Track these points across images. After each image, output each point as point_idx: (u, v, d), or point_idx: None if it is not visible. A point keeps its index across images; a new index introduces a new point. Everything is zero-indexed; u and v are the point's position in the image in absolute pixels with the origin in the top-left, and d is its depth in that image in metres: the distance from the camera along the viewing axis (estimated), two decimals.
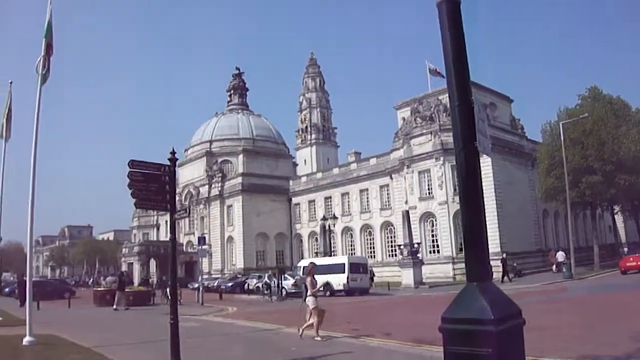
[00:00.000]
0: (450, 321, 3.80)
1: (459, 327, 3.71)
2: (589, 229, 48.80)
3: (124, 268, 64.67)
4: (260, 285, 39.98)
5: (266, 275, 36.60)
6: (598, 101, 41.36)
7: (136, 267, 63.72)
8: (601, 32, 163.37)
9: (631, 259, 34.64)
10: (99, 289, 35.24)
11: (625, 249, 55.72)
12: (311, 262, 17.29)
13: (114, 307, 27.12)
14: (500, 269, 39.54)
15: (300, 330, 13.34)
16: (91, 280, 74.32)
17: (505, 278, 36.28)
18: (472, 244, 3.91)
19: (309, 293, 13.58)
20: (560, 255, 38.60)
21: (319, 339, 12.80)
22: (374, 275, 42.51)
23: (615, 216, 51.71)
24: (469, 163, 3.92)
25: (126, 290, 30.74)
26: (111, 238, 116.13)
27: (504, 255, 38.43)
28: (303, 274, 36.22)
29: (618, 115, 41.52)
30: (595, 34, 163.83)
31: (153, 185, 9.49)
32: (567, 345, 10.38)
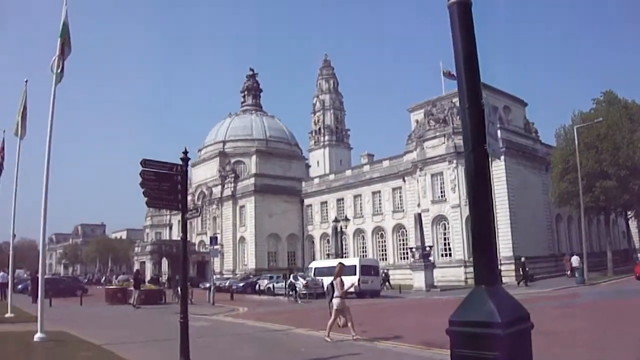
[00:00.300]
0: (458, 324, 3.78)
1: (467, 330, 3.70)
2: (603, 234, 48.32)
3: (136, 267, 65.04)
4: (271, 285, 40.13)
5: (291, 275, 36.22)
6: (613, 105, 41.03)
7: (148, 266, 64.12)
8: (616, 35, 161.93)
9: None
10: (110, 287, 35.55)
11: (639, 255, 55.23)
12: (339, 263, 16.94)
13: (134, 304, 27.66)
14: (513, 273, 39.48)
15: (351, 330, 13.06)
16: (103, 278, 74.74)
17: (522, 282, 36.00)
18: (481, 248, 3.89)
19: (336, 294, 13.47)
20: (575, 260, 38.27)
21: (328, 339, 12.78)
22: (389, 277, 42.56)
23: (629, 222, 51.24)
24: (478, 166, 3.90)
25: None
26: (124, 237, 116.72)
27: (523, 259, 38.24)
28: (314, 275, 36.47)
29: (633, 119, 41.16)
30: (610, 37, 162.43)
31: (165, 184, 9.53)
32: (577, 351, 10.30)
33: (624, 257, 52.00)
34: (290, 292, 33.01)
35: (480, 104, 3.94)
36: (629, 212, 46.28)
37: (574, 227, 51.40)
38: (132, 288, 30.55)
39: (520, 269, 37.26)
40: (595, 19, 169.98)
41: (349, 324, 13.10)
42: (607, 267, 40.26)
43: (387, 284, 40.89)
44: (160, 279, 52.32)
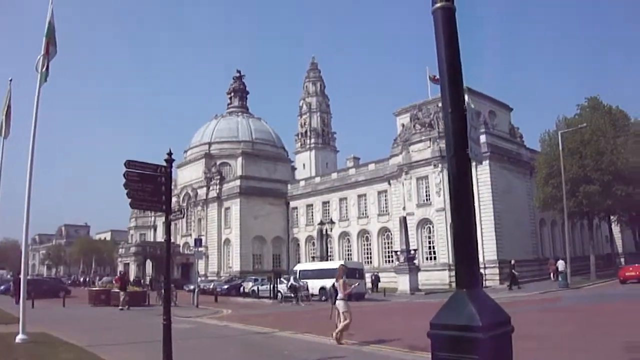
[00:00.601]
0: (439, 327, 3.80)
1: (448, 333, 3.71)
2: (586, 238, 48.70)
3: (120, 268, 64.73)
4: (256, 288, 40.02)
5: (292, 277, 35.65)
6: (597, 111, 41.44)
7: (132, 268, 63.76)
8: (602, 42, 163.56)
9: (630, 269, 34.77)
10: (94, 288, 35.32)
11: (622, 259, 55.80)
12: (341, 265, 16.84)
13: (119, 307, 27.50)
14: (498, 277, 39.78)
15: (334, 335, 13.08)
16: (87, 279, 74.17)
17: (513, 286, 36.08)
18: (462, 252, 3.91)
19: (339, 296, 13.47)
20: (561, 264, 38.55)
21: (343, 342, 12.77)
22: (379, 280, 42.77)
23: (612, 226, 51.73)
24: (460, 170, 3.93)
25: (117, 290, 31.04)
26: (108, 238, 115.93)
27: (513, 262, 38.42)
28: (299, 277, 36.46)
29: (617, 125, 41.60)
30: (596, 43, 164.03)
31: (149, 186, 9.48)
32: (559, 354, 10.39)
33: (607, 262, 52.50)
34: (292, 296, 32.58)
35: (463, 109, 3.97)
36: (612, 217, 46.70)
37: (557, 231, 51.81)
38: (116, 290, 30.40)
39: (510, 272, 37.37)
40: (581, 25, 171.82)
41: (340, 325, 13.07)
42: (590, 271, 40.60)
43: (376, 287, 41.19)
44: (142, 280, 52.02)
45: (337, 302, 13.46)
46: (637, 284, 31.96)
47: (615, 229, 55.93)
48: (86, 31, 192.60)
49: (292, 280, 34.19)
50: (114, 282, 33.85)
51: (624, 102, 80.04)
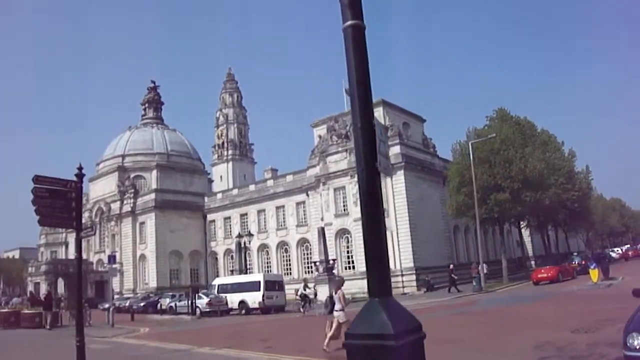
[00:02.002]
0: (354, 337, 3.87)
1: (362, 342, 3.78)
2: (498, 243, 50.65)
3: (30, 288, 61.75)
4: (174, 304, 39.06)
5: (302, 286, 33.81)
6: (505, 122, 43.34)
7: (43, 287, 60.72)
8: (510, 56, 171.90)
9: (542, 271, 36.53)
10: (2, 310, 33.63)
11: (532, 262, 58.66)
12: (340, 277, 18.16)
13: (47, 327, 26.95)
14: (414, 283, 40.72)
15: (326, 343, 13.06)
16: None
17: (452, 287, 36.48)
18: (373, 262, 4.01)
19: (338, 307, 13.63)
20: (485, 267, 39.96)
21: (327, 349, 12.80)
22: (316, 293, 40.14)
23: (522, 231, 54.12)
24: (369, 183, 4.03)
25: (31, 311, 29.88)
26: (17, 256, 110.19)
27: (451, 266, 38.96)
28: (218, 292, 35.97)
29: (525, 135, 43.66)
30: (504, 56, 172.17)
31: (59, 201, 9.19)
32: (475, 356, 10.75)
33: (518, 265, 55.00)
34: (302, 305, 31.30)
35: (372, 124, 4.09)
36: (522, 222, 48.83)
37: (471, 237, 53.57)
38: (27, 311, 29.80)
39: (450, 276, 37.74)
40: (491, 38, 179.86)
41: (329, 336, 13.08)
42: (502, 274, 42.17)
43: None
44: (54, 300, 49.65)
45: (337, 313, 13.61)
46: (549, 284, 33.53)
47: (525, 234, 58.74)
48: None
49: (301, 289, 32.77)
50: (25, 303, 32.61)
51: (530, 114, 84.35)
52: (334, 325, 13.23)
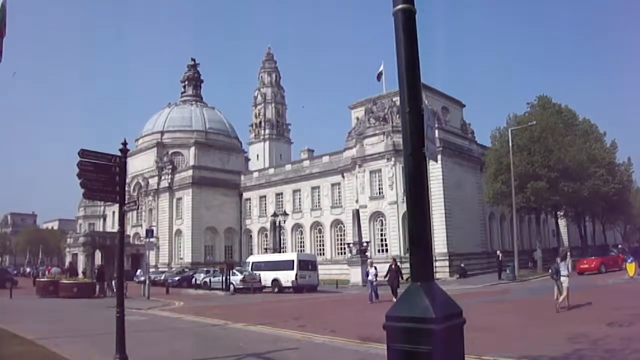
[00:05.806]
0: (394, 319, 3.90)
1: (403, 325, 3.81)
2: (533, 232, 50.04)
3: (68, 259, 63.18)
4: (208, 280, 39.69)
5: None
6: (546, 109, 42.56)
7: (81, 258, 62.20)
8: (554, 42, 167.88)
9: (585, 262, 36.79)
10: (42, 279, 34.62)
11: (568, 254, 57.43)
12: (566, 247, 21.53)
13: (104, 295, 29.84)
14: (447, 269, 40.62)
15: (558, 306, 15.59)
16: (35, 270, 72.02)
17: (503, 273, 36.35)
18: (417, 246, 4.03)
19: (565, 273, 15.92)
20: (537, 254, 39.39)
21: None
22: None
23: (559, 221, 53.34)
24: (416, 168, 4.03)
25: (70, 281, 30.72)
26: (56, 227, 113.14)
27: (498, 252, 39.12)
28: (252, 269, 36.38)
29: (566, 123, 42.85)
30: (549, 42, 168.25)
31: (103, 175, 9.34)
32: (508, 345, 10.70)
33: (553, 255, 53.95)
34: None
35: (420, 109, 4.07)
36: (558, 212, 48.07)
37: (506, 225, 53.11)
38: (64, 281, 30.82)
39: (498, 261, 37.62)
40: (534, 25, 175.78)
41: (561, 298, 15.83)
42: (537, 264, 41.72)
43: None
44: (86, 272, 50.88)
45: (562, 278, 15.83)
46: (588, 276, 33.22)
47: (562, 224, 57.74)
48: (38, 17, 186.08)
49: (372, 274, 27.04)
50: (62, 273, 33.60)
51: (572, 102, 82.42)
52: (564, 287, 15.63)
